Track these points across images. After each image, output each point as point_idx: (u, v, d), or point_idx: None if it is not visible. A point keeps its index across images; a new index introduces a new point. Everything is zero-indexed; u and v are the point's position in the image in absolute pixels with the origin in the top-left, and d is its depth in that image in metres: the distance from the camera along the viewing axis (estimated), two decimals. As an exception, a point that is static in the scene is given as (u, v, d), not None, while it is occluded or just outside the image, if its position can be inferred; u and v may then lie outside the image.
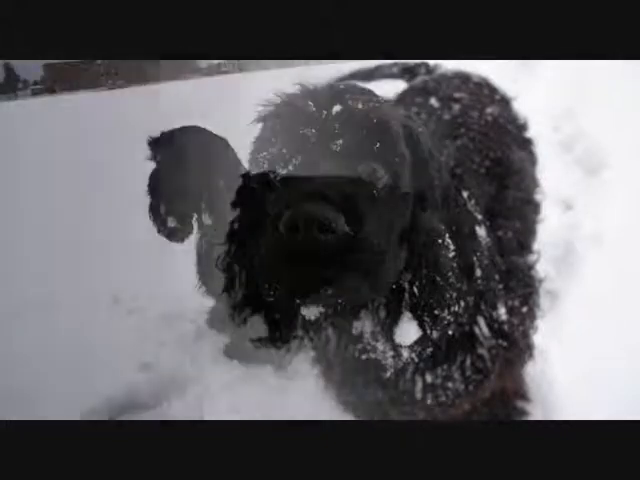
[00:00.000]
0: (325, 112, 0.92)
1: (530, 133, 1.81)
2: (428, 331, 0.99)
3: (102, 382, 1.88)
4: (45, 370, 2.04)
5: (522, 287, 1.41)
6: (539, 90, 4.86)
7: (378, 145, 0.90)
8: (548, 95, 4.75)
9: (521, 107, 1.83)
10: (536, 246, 1.65)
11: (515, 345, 1.31)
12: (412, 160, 0.96)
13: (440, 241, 1.00)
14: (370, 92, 1.03)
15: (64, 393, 1.85)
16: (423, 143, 1.02)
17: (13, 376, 2.01)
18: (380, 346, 1.08)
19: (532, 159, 1.80)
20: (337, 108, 0.91)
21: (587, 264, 2.25)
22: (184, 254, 2.00)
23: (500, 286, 1.29)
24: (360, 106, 0.92)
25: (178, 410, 1.74)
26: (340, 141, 0.89)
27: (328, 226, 0.76)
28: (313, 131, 0.90)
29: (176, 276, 2.34)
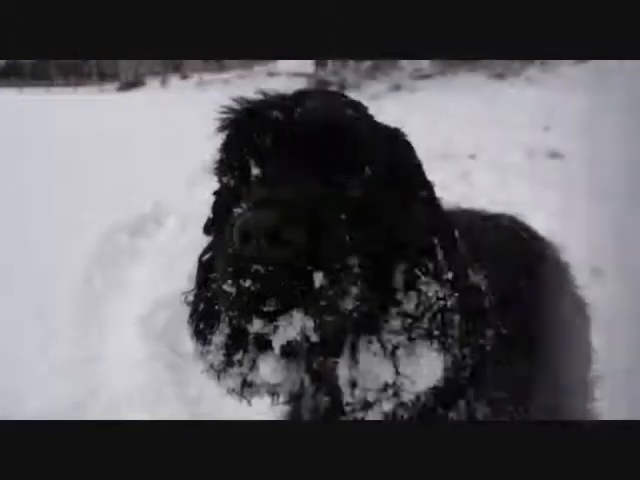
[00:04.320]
0: (284, 117, 0.86)
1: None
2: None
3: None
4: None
5: None
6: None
7: (345, 152, 0.85)
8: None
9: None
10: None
11: None
12: (390, 166, 0.92)
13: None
14: (337, 95, 0.99)
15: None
16: (402, 148, 0.99)
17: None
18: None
19: None
20: (297, 113, 0.86)
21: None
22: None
23: None
24: (322, 111, 0.87)
25: (179, 410, 1.74)
26: (302, 147, 0.83)
27: (277, 236, 0.68)
28: (273, 137, 0.85)
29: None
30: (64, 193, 4.61)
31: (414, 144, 1.02)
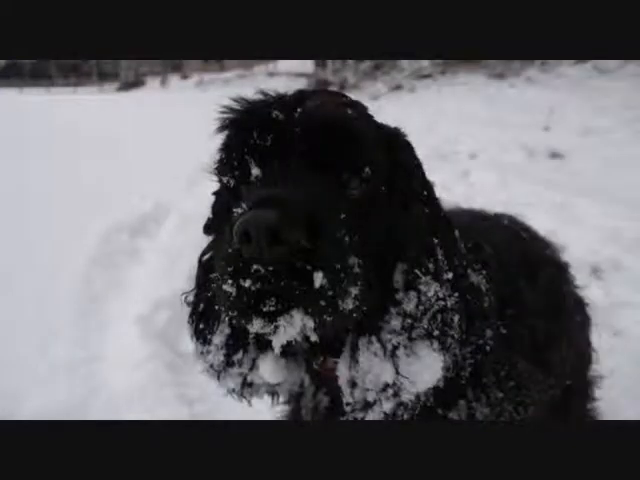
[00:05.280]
0: (284, 117, 0.85)
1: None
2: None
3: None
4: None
5: None
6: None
7: (345, 152, 0.85)
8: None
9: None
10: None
11: None
12: (390, 166, 0.92)
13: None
14: (337, 95, 0.99)
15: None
16: (402, 148, 0.98)
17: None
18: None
19: None
20: (297, 113, 0.86)
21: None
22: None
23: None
24: (322, 111, 0.87)
25: (179, 410, 1.73)
26: (302, 147, 0.83)
27: (277, 236, 0.67)
28: (273, 137, 0.84)
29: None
30: (64, 193, 4.61)
31: (414, 144, 1.02)
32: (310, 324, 0.74)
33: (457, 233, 1.03)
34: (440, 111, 8.49)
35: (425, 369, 0.89)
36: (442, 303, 0.92)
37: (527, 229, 1.61)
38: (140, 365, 2.16)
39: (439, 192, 1.05)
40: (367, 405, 0.93)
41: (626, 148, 5.30)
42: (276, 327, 0.74)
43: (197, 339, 1.04)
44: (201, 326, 1.03)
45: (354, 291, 0.78)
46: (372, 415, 0.94)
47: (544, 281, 1.39)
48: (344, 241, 0.78)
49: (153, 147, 6.77)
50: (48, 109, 11.71)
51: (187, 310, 1.07)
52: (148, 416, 1.90)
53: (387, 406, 0.92)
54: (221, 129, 0.92)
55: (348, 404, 0.95)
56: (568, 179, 4.70)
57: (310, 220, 0.72)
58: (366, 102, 1.02)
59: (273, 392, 1.11)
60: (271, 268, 0.70)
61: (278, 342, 0.79)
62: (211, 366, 1.03)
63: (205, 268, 1.03)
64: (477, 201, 3.13)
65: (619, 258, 3.02)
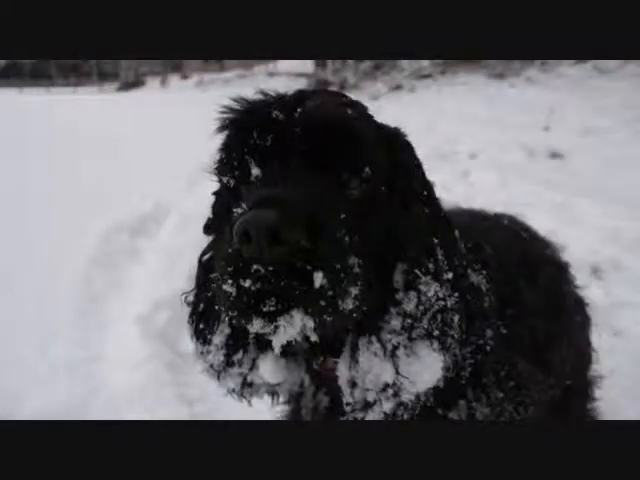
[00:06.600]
0: (284, 117, 0.85)
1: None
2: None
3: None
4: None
5: None
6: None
7: (345, 152, 0.85)
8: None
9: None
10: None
11: None
12: (390, 166, 0.92)
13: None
14: (337, 95, 0.99)
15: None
16: (402, 148, 0.98)
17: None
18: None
19: None
20: (297, 113, 0.86)
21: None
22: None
23: None
24: (322, 110, 0.87)
25: (179, 410, 1.73)
26: (302, 147, 0.83)
27: (277, 236, 0.67)
28: (273, 137, 0.84)
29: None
30: (64, 193, 4.61)
31: (414, 144, 1.02)
32: (310, 324, 0.75)
33: (457, 233, 1.03)
34: (440, 111, 8.49)
35: (425, 369, 0.89)
36: (442, 303, 0.92)
37: (527, 229, 1.61)
38: (140, 365, 2.16)
39: (439, 192, 1.05)
40: (367, 405, 0.93)
41: (626, 148, 5.30)
42: (276, 327, 0.74)
43: (197, 339, 1.04)
44: (201, 326, 1.03)
45: (354, 291, 0.78)
46: (372, 415, 0.94)
47: (544, 281, 1.39)
48: (344, 241, 0.78)
49: (153, 147, 6.77)
50: (48, 109, 11.70)
51: (187, 310, 1.07)
52: (148, 416, 1.90)
53: (387, 406, 0.92)
54: (221, 129, 0.92)
55: (348, 404, 0.95)
56: (568, 179, 4.70)
57: (310, 220, 0.72)
58: (366, 102, 1.02)
59: (273, 392, 1.11)
60: (271, 268, 0.70)
61: (278, 342, 0.79)
62: (211, 366, 1.03)
63: (205, 268, 1.03)
64: (477, 201, 3.13)
65: (619, 258, 3.02)
